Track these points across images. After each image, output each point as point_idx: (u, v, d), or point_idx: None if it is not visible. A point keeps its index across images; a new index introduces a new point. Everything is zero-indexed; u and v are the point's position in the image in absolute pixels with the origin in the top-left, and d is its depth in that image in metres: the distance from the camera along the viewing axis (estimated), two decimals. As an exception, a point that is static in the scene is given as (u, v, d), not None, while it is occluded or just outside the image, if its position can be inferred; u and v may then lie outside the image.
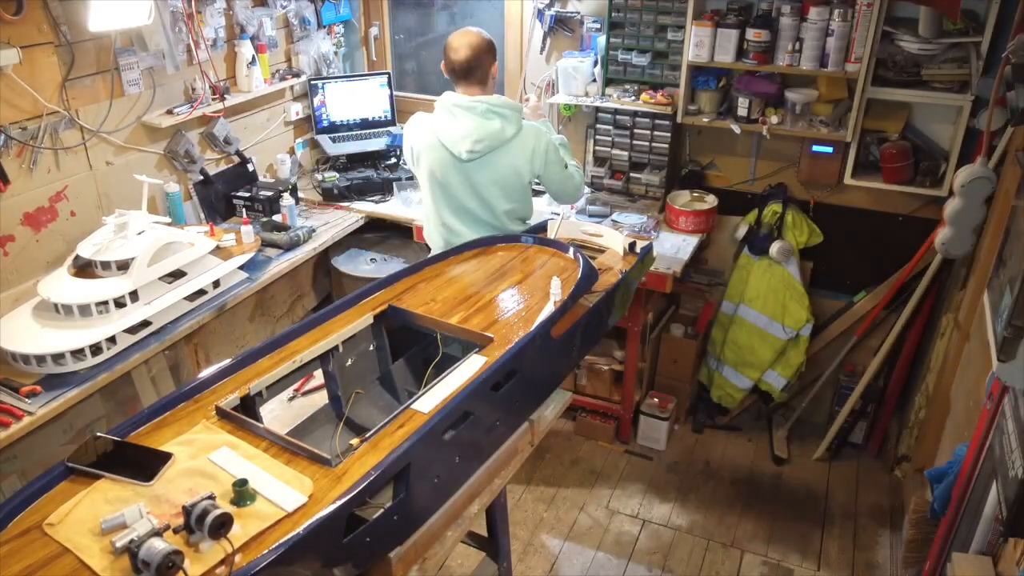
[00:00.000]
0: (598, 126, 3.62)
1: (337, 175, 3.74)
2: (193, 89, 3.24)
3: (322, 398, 2.08)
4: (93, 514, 1.39)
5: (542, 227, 2.55)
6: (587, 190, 3.67)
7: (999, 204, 2.66)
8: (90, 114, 2.81)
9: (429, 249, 2.93)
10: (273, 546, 1.33)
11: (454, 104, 2.60)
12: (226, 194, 3.46)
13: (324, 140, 3.91)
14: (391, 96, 4.00)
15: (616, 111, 3.51)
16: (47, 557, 1.32)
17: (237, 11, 3.34)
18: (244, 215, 3.41)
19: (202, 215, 3.35)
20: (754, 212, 3.47)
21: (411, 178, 3.76)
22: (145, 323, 2.59)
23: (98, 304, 2.46)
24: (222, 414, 1.69)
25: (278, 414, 2.02)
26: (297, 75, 3.75)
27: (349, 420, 2.02)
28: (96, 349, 2.44)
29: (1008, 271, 2.04)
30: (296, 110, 3.86)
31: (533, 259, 2.34)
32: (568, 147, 2.89)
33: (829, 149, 3.27)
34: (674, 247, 3.26)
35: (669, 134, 3.46)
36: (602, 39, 3.43)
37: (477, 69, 2.60)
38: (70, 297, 2.45)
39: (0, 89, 2.47)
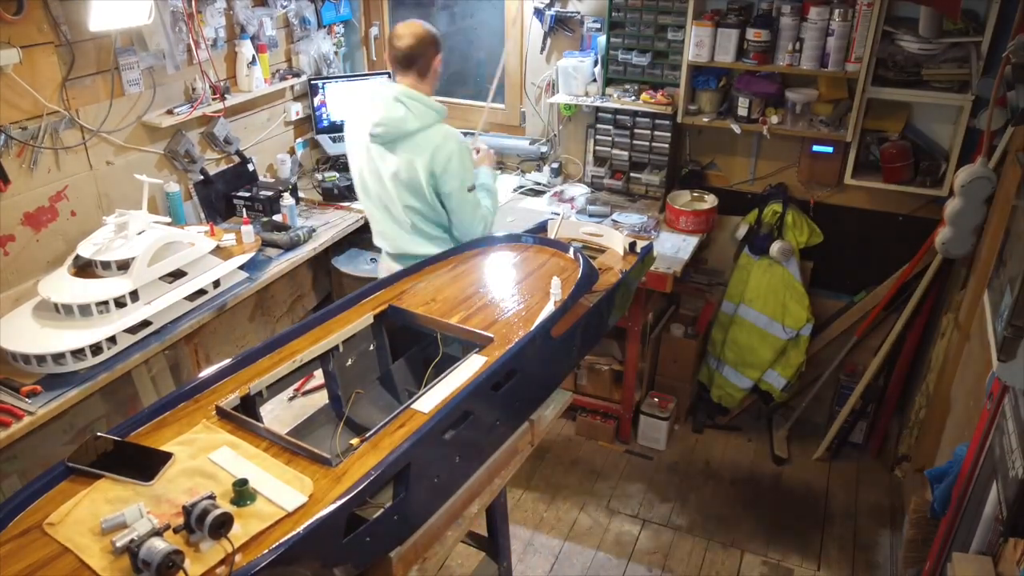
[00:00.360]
0: (598, 126, 3.63)
1: (337, 175, 3.74)
2: (193, 89, 3.24)
3: (322, 398, 2.08)
4: (93, 514, 1.39)
5: (542, 227, 2.55)
6: (586, 189, 3.66)
7: (999, 204, 2.66)
8: (90, 114, 2.81)
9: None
10: (273, 546, 1.33)
11: (375, 89, 2.60)
12: (226, 194, 3.46)
13: (324, 140, 3.91)
14: (391, 96, 4.00)
15: (616, 111, 3.51)
16: (47, 557, 1.32)
17: (237, 11, 3.34)
18: (244, 215, 3.41)
19: (202, 215, 3.35)
20: (754, 212, 3.47)
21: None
22: (145, 323, 2.59)
23: (98, 304, 2.46)
24: (222, 414, 1.69)
25: (278, 414, 2.02)
26: (297, 75, 3.75)
27: (349, 420, 2.02)
28: (96, 349, 2.44)
29: (1008, 271, 2.04)
30: (296, 110, 3.86)
31: (533, 259, 2.34)
32: (491, 189, 2.73)
33: (829, 149, 3.27)
34: (674, 247, 3.26)
35: (669, 134, 3.46)
36: (602, 39, 3.43)
37: (419, 59, 2.56)
38: (70, 297, 2.45)
39: (0, 89, 2.47)
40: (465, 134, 2.73)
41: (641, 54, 3.37)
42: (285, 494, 1.45)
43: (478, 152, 2.86)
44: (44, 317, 2.47)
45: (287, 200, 3.37)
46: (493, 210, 2.73)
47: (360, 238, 3.77)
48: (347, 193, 3.68)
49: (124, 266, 2.54)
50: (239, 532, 1.35)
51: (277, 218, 3.36)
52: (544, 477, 3.47)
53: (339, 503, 1.41)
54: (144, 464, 1.50)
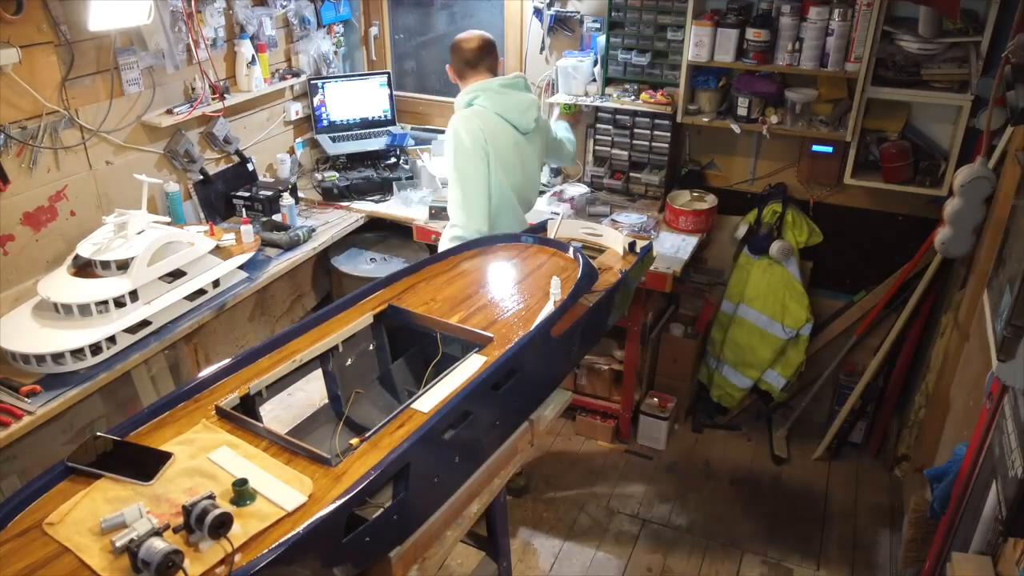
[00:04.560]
0: (598, 126, 3.63)
1: (337, 175, 3.74)
2: (193, 89, 3.23)
3: (322, 398, 2.08)
4: (93, 514, 1.39)
5: (542, 227, 2.55)
6: (586, 189, 3.66)
7: (999, 204, 2.66)
8: (90, 114, 2.81)
9: (429, 249, 2.93)
10: (273, 546, 1.33)
11: (500, 84, 2.75)
12: (226, 194, 3.46)
13: (324, 140, 3.91)
14: (391, 96, 4.00)
15: (616, 111, 3.51)
16: (47, 557, 1.32)
17: (237, 11, 3.34)
18: (244, 215, 3.41)
19: (202, 215, 3.35)
20: (754, 212, 3.47)
21: (410, 178, 3.76)
22: (145, 323, 2.59)
23: (98, 304, 2.46)
24: (222, 414, 1.69)
25: (278, 414, 2.02)
26: (297, 75, 3.75)
27: (349, 420, 2.02)
28: (96, 349, 2.44)
29: (1008, 271, 2.04)
30: (296, 110, 3.86)
31: (533, 259, 2.34)
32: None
33: (829, 149, 3.27)
34: (674, 247, 3.26)
35: (669, 134, 3.46)
36: (602, 39, 3.43)
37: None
38: (70, 297, 2.45)
39: (0, 88, 2.47)
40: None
41: (641, 54, 3.37)
42: (285, 494, 1.45)
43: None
44: (43, 317, 2.48)
45: (287, 200, 3.37)
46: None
47: (360, 238, 3.78)
48: (346, 192, 3.68)
49: (123, 266, 2.54)
50: (239, 532, 1.35)
51: (277, 218, 3.36)
52: (544, 477, 3.47)
53: (339, 503, 1.41)
54: (144, 464, 1.50)
